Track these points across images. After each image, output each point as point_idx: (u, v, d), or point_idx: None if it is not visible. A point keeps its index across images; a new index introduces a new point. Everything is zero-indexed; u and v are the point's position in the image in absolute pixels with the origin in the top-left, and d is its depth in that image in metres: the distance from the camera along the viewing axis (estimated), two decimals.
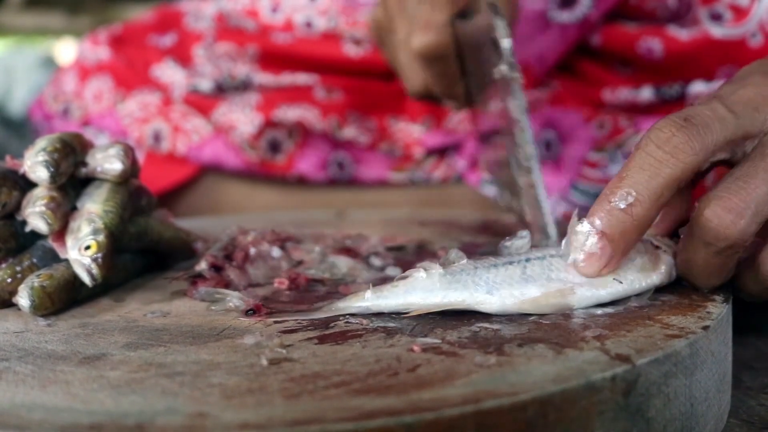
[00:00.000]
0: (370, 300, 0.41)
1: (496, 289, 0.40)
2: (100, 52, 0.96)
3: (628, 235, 0.40)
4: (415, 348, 0.36)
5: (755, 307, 0.50)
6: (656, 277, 0.42)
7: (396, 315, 0.41)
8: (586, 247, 0.40)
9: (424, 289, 0.40)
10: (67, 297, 0.45)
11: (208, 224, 0.67)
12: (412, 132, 0.87)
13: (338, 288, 0.48)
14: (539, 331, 0.38)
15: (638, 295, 0.42)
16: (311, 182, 0.88)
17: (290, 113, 0.86)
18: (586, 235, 0.40)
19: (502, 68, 0.46)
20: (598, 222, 0.40)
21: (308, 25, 0.91)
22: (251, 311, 0.43)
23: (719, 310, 0.40)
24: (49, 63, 2.13)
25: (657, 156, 0.40)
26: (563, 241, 0.42)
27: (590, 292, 0.40)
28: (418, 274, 0.41)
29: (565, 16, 0.80)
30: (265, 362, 0.35)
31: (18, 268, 0.46)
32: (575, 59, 0.81)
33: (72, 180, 0.49)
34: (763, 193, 0.40)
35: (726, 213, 0.40)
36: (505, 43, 0.46)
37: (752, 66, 0.46)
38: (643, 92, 0.76)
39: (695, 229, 0.41)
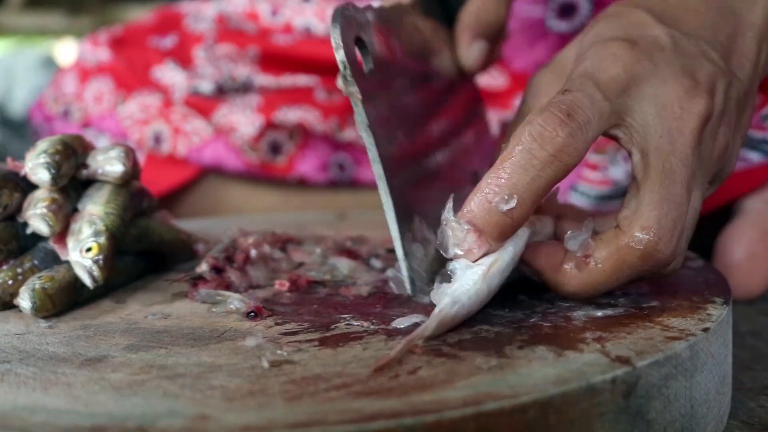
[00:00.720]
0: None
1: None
2: (101, 53, 0.96)
3: (506, 234, 0.40)
4: (416, 350, 0.36)
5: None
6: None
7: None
8: (465, 244, 0.39)
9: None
10: (68, 299, 0.45)
11: (208, 226, 0.67)
12: None
13: (339, 290, 0.48)
14: (539, 333, 0.38)
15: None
16: (312, 184, 0.88)
17: (291, 115, 0.86)
18: (463, 231, 0.39)
19: (339, 83, 0.41)
20: (477, 222, 0.39)
21: (307, 29, 0.91)
22: (252, 313, 0.43)
23: (719, 312, 0.40)
24: (50, 64, 2.13)
25: (540, 157, 0.38)
26: (438, 231, 0.41)
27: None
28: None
29: (564, 26, 0.80)
30: (266, 364, 0.35)
31: (19, 270, 0.46)
32: None
33: (73, 182, 0.49)
34: (687, 209, 0.40)
35: (673, 240, 0.39)
36: (339, 55, 0.41)
37: (609, 22, 0.45)
38: None
39: (634, 259, 0.40)
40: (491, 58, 0.59)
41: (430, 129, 0.51)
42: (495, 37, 0.57)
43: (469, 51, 0.57)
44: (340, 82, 0.42)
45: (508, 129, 0.47)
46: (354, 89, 0.42)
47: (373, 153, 0.42)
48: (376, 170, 0.43)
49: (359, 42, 0.44)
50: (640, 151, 0.41)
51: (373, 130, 0.42)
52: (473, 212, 0.39)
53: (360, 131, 0.43)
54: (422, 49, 0.53)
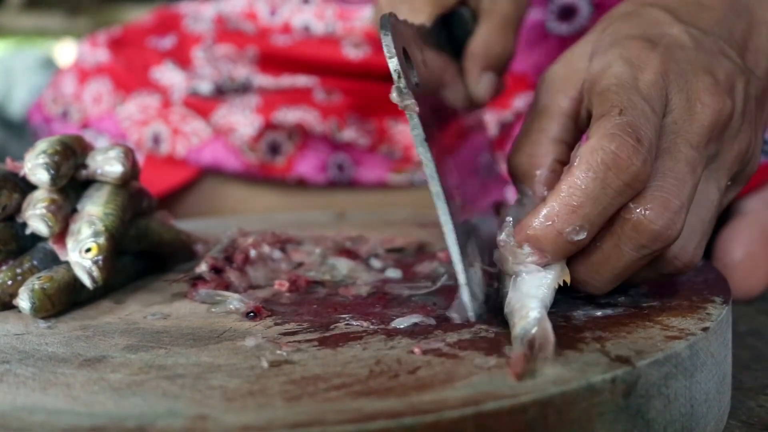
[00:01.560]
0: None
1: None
2: (100, 54, 0.96)
3: (568, 256, 0.39)
4: (416, 350, 0.36)
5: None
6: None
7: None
8: (527, 263, 0.39)
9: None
10: (68, 299, 0.45)
11: (208, 226, 0.67)
12: None
13: (338, 290, 0.48)
14: None
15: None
16: (311, 184, 0.88)
17: (290, 115, 0.86)
18: (525, 254, 0.39)
19: (393, 95, 0.39)
20: (543, 246, 0.38)
21: (306, 29, 0.91)
22: (252, 313, 0.43)
23: (719, 311, 0.40)
24: (49, 64, 2.13)
25: (615, 186, 0.37)
26: (495, 253, 0.40)
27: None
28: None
29: (564, 28, 0.80)
30: (265, 364, 0.35)
31: (18, 271, 0.46)
32: None
33: (72, 182, 0.49)
34: (691, 188, 0.39)
35: (667, 213, 0.38)
36: (392, 63, 0.38)
37: (625, 20, 0.44)
38: None
39: (628, 232, 0.38)
40: (499, 89, 0.59)
41: (451, 156, 0.49)
42: (503, 68, 0.58)
43: (479, 83, 0.56)
44: (394, 95, 0.39)
45: (523, 126, 0.46)
46: (411, 101, 0.39)
47: (430, 169, 0.39)
48: (434, 189, 0.39)
49: (404, 53, 0.41)
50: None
51: (429, 144, 0.39)
52: (539, 240, 0.38)
53: (417, 147, 0.40)
54: (433, 79, 0.50)
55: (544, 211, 0.38)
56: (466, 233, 0.42)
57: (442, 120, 0.48)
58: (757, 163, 0.45)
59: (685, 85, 0.41)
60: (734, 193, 0.45)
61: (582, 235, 0.38)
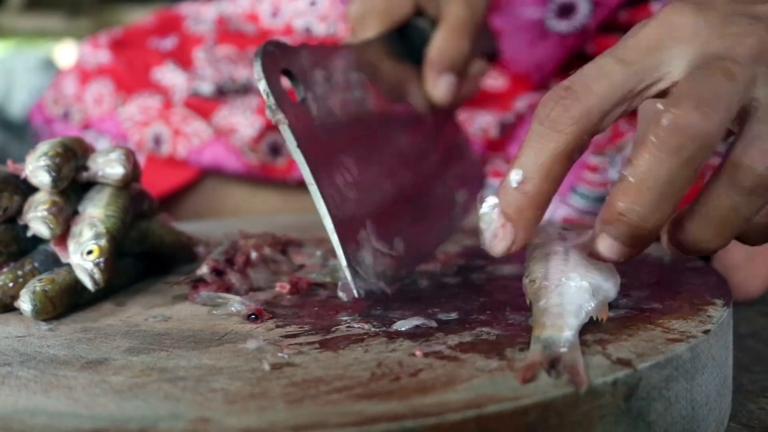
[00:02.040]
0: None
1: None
2: (101, 55, 0.96)
3: (524, 212, 0.39)
4: (417, 352, 0.36)
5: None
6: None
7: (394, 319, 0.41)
8: (491, 228, 0.39)
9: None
10: (69, 301, 0.45)
11: (209, 228, 0.67)
12: None
13: (339, 292, 0.48)
14: None
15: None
16: None
17: None
18: (489, 216, 0.39)
19: (267, 113, 0.44)
20: (495, 200, 0.39)
21: (307, 30, 0.91)
22: (253, 316, 0.43)
23: (720, 313, 0.40)
24: (49, 65, 2.13)
25: (540, 132, 0.38)
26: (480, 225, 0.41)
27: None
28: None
29: (563, 26, 0.80)
30: (267, 367, 0.35)
31: (20, 273, 0.46)
32: (574, 66, 0.81)
33: (73, 184, 0.49)
34: (728, 88, 0.36)
35: (702, 107, 0.35)
36: (261, 85, 0.44)
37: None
38: None
39: (661, 133, 0.36)
40: (464, 93, 0.61)
41: (394, 157, 0.54)
42: (461, 70, 0.59)
43: (436, 85, 0.58)
44: (267, 112, 0.44)
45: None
46: (280, 116, 0.44)
47: (306, 174, 0.45)
48: (312, 191, 0.46)
49: (288, 73, 0.47)
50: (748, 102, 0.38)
51: (303, 150, 0.45)
52: (498, 197, 0.39)
53: (293, 155, 0.45)
54: (390, 87, 0.56)
55: (617, 189, 0.37)
56: (359, 222, 0.47)
57: (392, 121, 0.54)
58: None
59: (705, 30, 0.38)
60: None
61: (517, 177, 0.38)
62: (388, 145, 0.54)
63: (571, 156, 0.38)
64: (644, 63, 0.39)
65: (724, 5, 0.40)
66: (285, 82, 0.46)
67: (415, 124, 0.58)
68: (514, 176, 0.38)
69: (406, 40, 0.60)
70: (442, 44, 0.59)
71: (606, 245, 0.38)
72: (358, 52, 0.54)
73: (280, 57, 0.46)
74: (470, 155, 0.65)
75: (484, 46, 0.67)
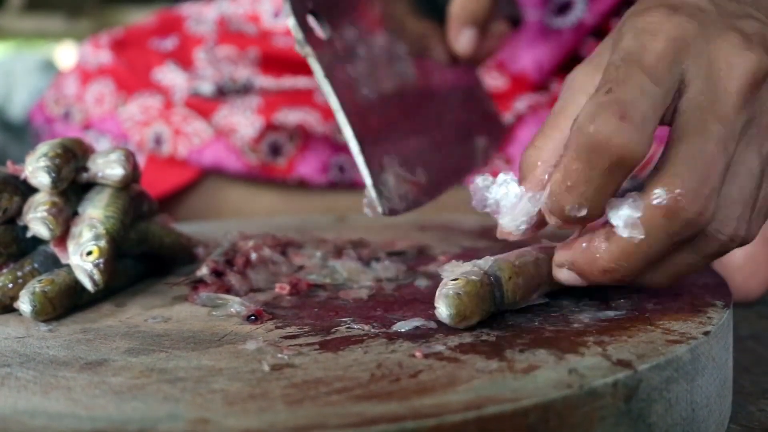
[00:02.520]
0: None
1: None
2: (102, 55, 0.96)
3: (575, 227, 0.40)
4: (417, 354, 0.36)
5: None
6: None
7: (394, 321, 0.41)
8: (523, 218, 0.41)
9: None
10: (69, 302, 0.45)
11: (208, 229, 0.67)
12: None
13: (339, 293, 0.48)
14: (540, 336, 0.38)
15: None
16: (312, 186, 0.88)
17: (291, 116, 0.86)
18: (525, 206, 0.41)
19: (296, 47, 0.47)
20: (552, 221, 0.40)
21: None
22: (252, 317, 0.43)
23: (720, 315, 0.40)
24: (49, 67, 2.14)
25: (601, 166, 0.37)
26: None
27: None
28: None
29: (560, 22, 0.80)
30: (266, 368, 0.35)
31: (19, 274, 0.46)
32: (572, 65, 0.81)
33: (73, 185, 0.49)
34: (724, 167, 0.38)
35: (699, 200, 0.37)
36: (290, 21, 0.47)
37: (648, 1, 0.42)
38: None
39: (658, 219, 0.37)
40: (485, 48, 0.64)
41: (417, 96, 0.57)
42: (483, 23, 0.62)
43: (459, 38, 0.62)
44: (296, 47, 0.47)
45: (542, 124, 0.45)
46: (308, 49, 0.47)
47: (333, 100, 0.48)
48: (339, 117, 0.48)
49: (314, 14, 0.49)
50: (678, 110, 0.39)
51: (330, 80, 0.47)
52: (551, 212, 0.39)
53: (320, 85, 0.48)
54: (417, 42, 0.60)
55: (547, 189, 0.39)
56: (383, 149, 0.50)
57: (417, 70, 0.58)
58: None
59: (706, 46, 0.39)
60: None
61: (583, 212, 0.38)
62: (412, 85, 0.57)
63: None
64: (671, 81, 0.39)
65: (716, 19, 0.40)
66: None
67: (439, 71, 0.61)
68: (576, 209, 0.38)
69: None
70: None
71: (563, 276, 0.41)
72: (383, 7, 0.57)
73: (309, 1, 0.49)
74: (490, 107, 0.69)
75: (508, 9, 0.69)
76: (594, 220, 0.39)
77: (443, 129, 0.59)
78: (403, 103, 0.55)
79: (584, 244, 0.40)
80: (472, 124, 0.64)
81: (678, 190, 0.37)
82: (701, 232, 0.39)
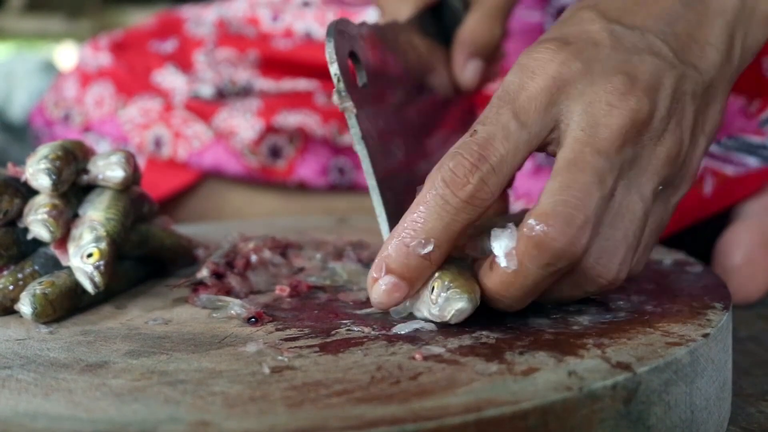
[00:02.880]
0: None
1: None
2: (101, 58, 0.96)
3: (424, 276, 0.40)
4: (417, 356, 0.36)
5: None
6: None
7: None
8: (381, 285, 0.39)
9: None
10: (69, 304, 0.45)
11: (209, 231, 0.67)
12: None
13: (339, 295, 0.48)
14: (540, 339, 0.38)
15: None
16: (312, 188, 0.88)
17: (291, 119, 0.87)
18: (381, 272, 0.39)
19: (334, 98, 0.42)
20: (393, 265, 0.39)
21: (308, 34, 0.91)
22: (253, 319, 0.43)
23: (719, 317, 0.40)
24: (50, 68, 2.13)
25: (453, 203, 0.38)
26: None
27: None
28: None
29: None
30: (267, 370, 0.35)
31: (20, 276, 0.46)
32: None
33: (74, 187, 0.49)
34: (599, 200, 0.37)
35: (570, 229, 0.36)
36: (333, 69, 0.42)
37: (556, 24, 0.43)
38: None
39: (531, 249, 0.37)
40: (488, 76, 0.61)
41: (427, 140, 0.52)
42: (490, 55, 0.59)
43: (465, 70, 0.58)
44: (335, 98, 0.43)
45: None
46: (349, 104, 0.43)
47: (366, 165, 0.43)
48: (370, 183, 0.44)
49: (352, 55, 0.44)
50: (559, 144, 0.39)
51: (366, 143, 0.43)
52: (390, 256, 0.39)
53: (355, 145, 0.43)
54: (418, 66, 0.54)
55: (395, 230, 0.39)
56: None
57: (421, 102, 0.53)
58: (696, 166, 0.43)
59: (589, 87, 0.39)
60: (676, 199, 0.43)
61: (428, 248, 0.38)
62: (424, 128, 0.54)
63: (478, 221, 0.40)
64: (541, 123, 0.39)
65: (607, 57, 0.40)
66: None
67: (439, 102, 0.57)
68: (423, 245, 0.38)
69: (438, 20, 0.59)
70: (475, 27, 0.58)
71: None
72: (392, 31, 0.52)
73: (348, 37, 0.44)
74: None
75: None
76: (436, 264, 0.39)
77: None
78: (423, 154, 0.52)
79: (484, 267, 0.40)
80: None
81: (550, 221, 0.37)
82: (581, 271, 0.39)
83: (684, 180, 0.43)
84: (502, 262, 0.38)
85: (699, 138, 0.43)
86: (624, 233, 0.39)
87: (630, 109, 0.39)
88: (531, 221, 0.37)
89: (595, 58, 0.40)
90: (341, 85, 0.42)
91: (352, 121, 0.43)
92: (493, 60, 0.60)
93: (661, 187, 0.41)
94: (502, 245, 0.38)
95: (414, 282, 0.39)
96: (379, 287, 0.39)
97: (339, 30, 0.43)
